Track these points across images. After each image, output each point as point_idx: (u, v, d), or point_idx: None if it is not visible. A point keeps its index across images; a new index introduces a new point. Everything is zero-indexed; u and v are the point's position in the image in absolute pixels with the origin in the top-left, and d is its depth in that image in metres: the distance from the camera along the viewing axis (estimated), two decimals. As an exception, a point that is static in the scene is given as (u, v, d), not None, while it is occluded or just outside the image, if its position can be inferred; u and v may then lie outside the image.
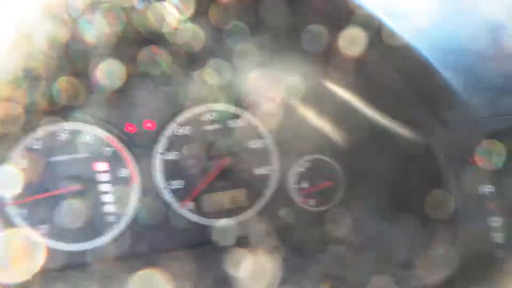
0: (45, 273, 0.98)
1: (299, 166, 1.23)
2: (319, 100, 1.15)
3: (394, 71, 0.88)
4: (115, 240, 1.10)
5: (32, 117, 1.00)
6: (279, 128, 1.20)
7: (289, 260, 1.00)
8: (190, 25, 0.89)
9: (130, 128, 1.10)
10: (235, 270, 0.97)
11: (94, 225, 1.08)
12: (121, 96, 1.08)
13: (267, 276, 0.92)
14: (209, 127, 1.16)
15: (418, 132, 0.94)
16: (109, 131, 1.08)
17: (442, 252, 0.89)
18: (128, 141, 1.10)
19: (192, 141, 1.15)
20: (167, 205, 1.13)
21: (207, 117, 1.16)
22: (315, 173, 1.24)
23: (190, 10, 0.84)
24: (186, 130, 1.14)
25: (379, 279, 0.88)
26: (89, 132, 1.07)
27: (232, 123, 1.18)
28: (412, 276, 0.90)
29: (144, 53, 1.01)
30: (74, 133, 1.06)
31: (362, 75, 0.96)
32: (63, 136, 1.05)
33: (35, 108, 0.98)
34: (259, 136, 1.20)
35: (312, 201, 1.24)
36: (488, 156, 0.84)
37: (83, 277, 1.05)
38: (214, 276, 0.98)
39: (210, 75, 1.10)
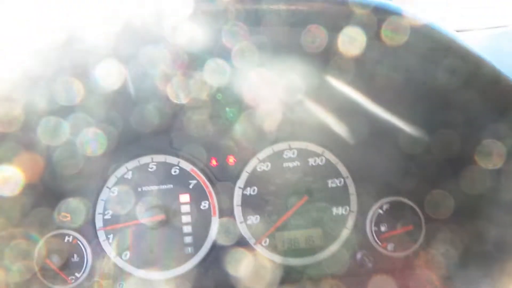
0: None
1: (378, 208, 1.18)
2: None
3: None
4: (191, 271, 1.11)
5: (126, 149, 1.05)
6: (359, 167, 1.17)
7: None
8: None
9: (214, 162, 1.13)
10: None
11: (173, 255, 1.10)
12: (206, 130, 1.12)
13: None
14: (289, 164, 1.16)
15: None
16: (194, 164, 1.11)
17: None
18: (211, 174, 1.12)
19: (272, 177, 1.15)
20: (243, 240, 1.13)
21: (288, 154, 1.16)
22: (394, 216, 1.18)
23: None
24: (266, 167, 1.15)
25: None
26: (175, 165, 1.10)
27: (312, 161, 1.17)
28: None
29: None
30: (162, 165, 1.10)
31: (411, 89, 0.91)
32: (152, 168, 1.10)
33: (130, 139, 1.03)
34: (338, 175, 1.17)
35: (390, 246, 1.18)
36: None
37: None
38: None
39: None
